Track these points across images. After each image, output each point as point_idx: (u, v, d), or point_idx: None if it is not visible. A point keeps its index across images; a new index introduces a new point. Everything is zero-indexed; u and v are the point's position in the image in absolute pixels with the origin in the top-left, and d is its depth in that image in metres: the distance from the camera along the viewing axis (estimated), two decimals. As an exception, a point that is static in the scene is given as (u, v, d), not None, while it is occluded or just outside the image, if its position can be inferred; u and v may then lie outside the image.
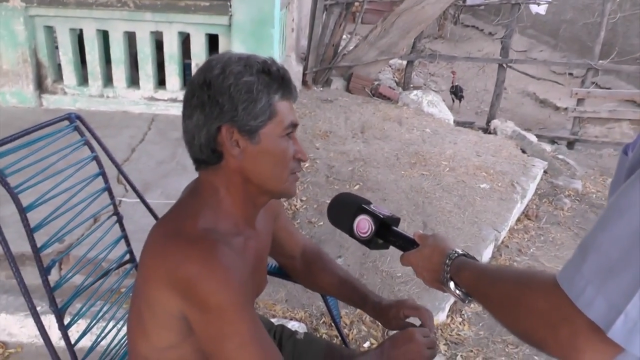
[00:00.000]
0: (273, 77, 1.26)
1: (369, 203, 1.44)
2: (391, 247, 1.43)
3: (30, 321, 1.59)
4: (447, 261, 1.23)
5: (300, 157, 1.33)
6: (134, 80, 5.36)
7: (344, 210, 1.45)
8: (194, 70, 5.07)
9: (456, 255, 1.23)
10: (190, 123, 1.26)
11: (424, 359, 1.35)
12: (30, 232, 1.57)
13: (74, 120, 1.87)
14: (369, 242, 1.40)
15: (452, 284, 1.22)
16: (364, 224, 1.39)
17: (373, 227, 1.38)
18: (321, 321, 3.05)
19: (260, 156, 1.26)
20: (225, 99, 1.21)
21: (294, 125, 1.30)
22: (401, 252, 1.39)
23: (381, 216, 1.38)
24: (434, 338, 1.42)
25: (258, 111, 1.23)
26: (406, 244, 1.38)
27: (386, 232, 1.40)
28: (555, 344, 0.85)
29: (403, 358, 1.34)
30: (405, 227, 3.68)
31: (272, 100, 1.24)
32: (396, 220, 1.42)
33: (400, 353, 1.35)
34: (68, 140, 1.85)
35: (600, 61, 8.10)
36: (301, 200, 4.23)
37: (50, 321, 1.72)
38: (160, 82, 5.35)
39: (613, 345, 0.79)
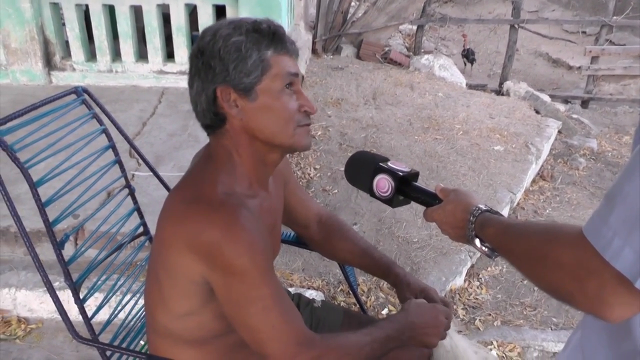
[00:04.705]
0: (263, 33, 1.25)
1: (386, 160, 1.41)
2: (405, 216, 1.41)
3: (50, 297, 1.60)
4: (471, 218, 1.21)
5: (306, 110, 1.32)
6: (142, 54, 5.32)
7: (361, 170, 1.43)
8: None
9: (480, 211, 1.21)
10: (192, 92, 1.31)
11: (437, 337, 1.42)
12: (42, 206, 1.56)
13: (81, 93, 1.84)
14: (391, 201, 1.38)
15: (477, 241, 1.21)
16: (383, 184, 1.37)
17: (393, 186, 1.35)
18: (339, 289, 3.05)
19: (261, 112, 1.27)
20: (216, 61, 1.24)
21: (293, 75, 1.29)
22: (424, 208, 1.37)
23: (400, 174, 1.35)
24: (450, 320, 1.49)
25: (250, 67, 1.23)
26: (428, 198, 1.35)
27: (407, 189, 1.37)
28: (582, 297, 0.83)
29: (421, 331, 1.39)
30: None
31: (263, 55, 1.24)
32: (415, 175, 1.40)
33: (421, 324, 1.39)
34: (76, 115, 1.84)
35: (615, 17, 7.95)
36: (315, 169, 4.21)
37: (69, 296, 1.73)
38: (169, 55, 5.31)
39: None
